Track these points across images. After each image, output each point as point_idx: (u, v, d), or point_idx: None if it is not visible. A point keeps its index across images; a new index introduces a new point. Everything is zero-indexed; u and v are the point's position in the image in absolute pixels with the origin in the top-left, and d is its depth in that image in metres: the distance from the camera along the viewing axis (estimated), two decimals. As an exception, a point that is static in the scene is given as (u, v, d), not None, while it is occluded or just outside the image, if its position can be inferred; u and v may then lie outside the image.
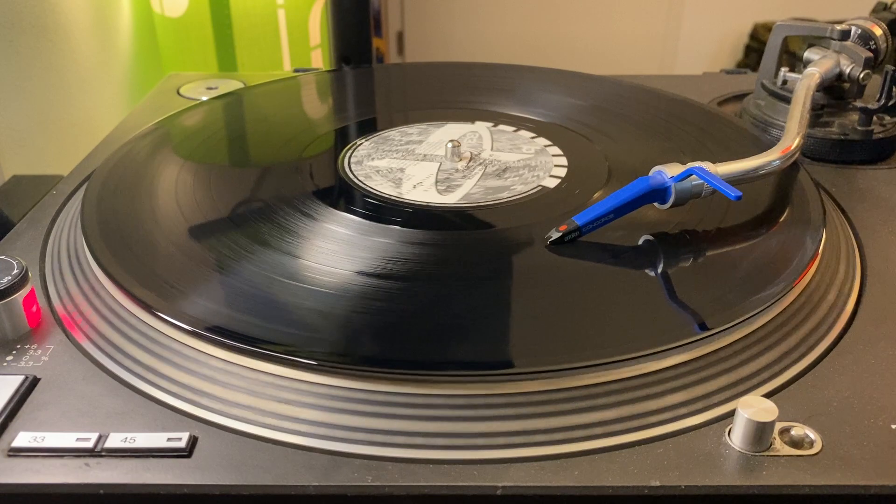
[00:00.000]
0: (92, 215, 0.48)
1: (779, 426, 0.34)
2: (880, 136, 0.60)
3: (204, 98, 0.72)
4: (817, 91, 0.59)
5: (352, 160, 0.57)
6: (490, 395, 0.35)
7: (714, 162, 0.47)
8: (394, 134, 0.61)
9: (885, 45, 0.62)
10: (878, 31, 0.62)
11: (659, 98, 0.69)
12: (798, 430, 0.34)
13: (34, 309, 0.41)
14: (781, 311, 0.40)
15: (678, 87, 0.72)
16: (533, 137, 0.59)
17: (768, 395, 0.36)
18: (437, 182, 0.53)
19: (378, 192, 0.52)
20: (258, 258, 0.44)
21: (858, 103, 0.60)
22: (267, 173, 0.56)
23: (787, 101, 0.60)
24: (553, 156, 0.56)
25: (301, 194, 0.51)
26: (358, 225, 0.47)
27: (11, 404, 0.35)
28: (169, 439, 0.33)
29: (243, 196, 0.52)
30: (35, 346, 0.40)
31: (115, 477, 0.32)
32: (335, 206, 0.49)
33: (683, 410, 0.35)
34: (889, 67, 0.59)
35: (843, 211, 0.53)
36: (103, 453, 0.33)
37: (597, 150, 0.58)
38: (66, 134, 0.84)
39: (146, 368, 0.38)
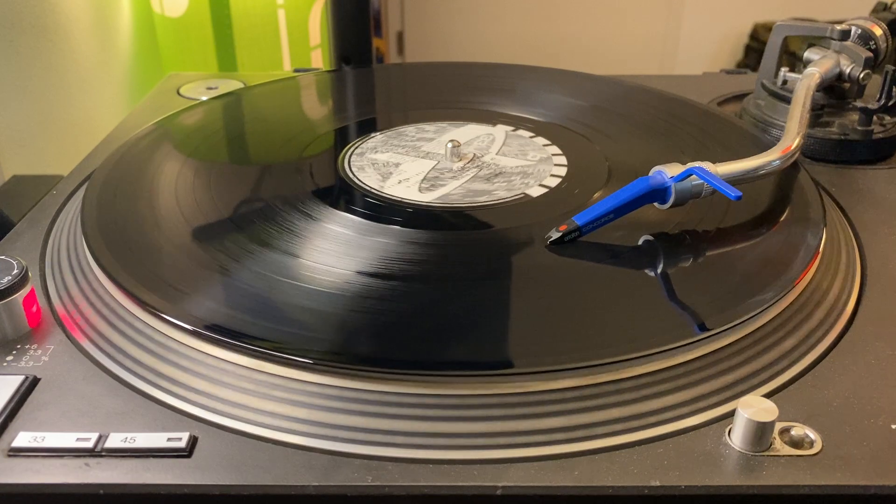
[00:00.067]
0: (92, 215, 0.48)
1: (779, 426, 0.34)
2: (880, 136, 0.60)
3: (204, 98, 0.72)
4: (817, 91, 0.59)
5: (356, 151, 0.57)
6: (490, 395, 0.35)
7: (714, 162, 0.47)
8: (410, 130, 0.62)
9: (885, 45, 0.62)
10: (878, 31, 0.62)
11: (659, 98, 0.69)
12: (798, 430, 0.34)
13: (34, 309, 0.41)
14: (781, 312, 0.40)
15: (678, 87, 0.72)
16: (546, 145, 0.58)
17: (768, 395, 0.36)
18: (423, 180, 0.53)
19: (361, 184, 0.52)
20: (258, 258, 0.44)
21: (858, 103, 0.60)
22: (266, 173, 0.56)
23: (787, 101, 0.60)
24: (555, 165, 0.55)
25: (300, 194, 0.51)
26: (358, 224, 0.47)
27: (11, 404, 0.35)
28: (169, 439, 0.33)
29: (243, 195, 0.52)
30: (35, 346, 0.40)
31: (115, 477, 0.32)
32: (334, 205, 0.49)
33: (683, 410, 0.35)
34: (889, 67, 0.59)
35: (843, 211, 0.53)
36: (103, 453, 0.33)
37: (597, 150, 0.58)
38: (66, 134, 0.84)
39: (146, 368, 0.38)
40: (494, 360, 0.37)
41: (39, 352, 0.39)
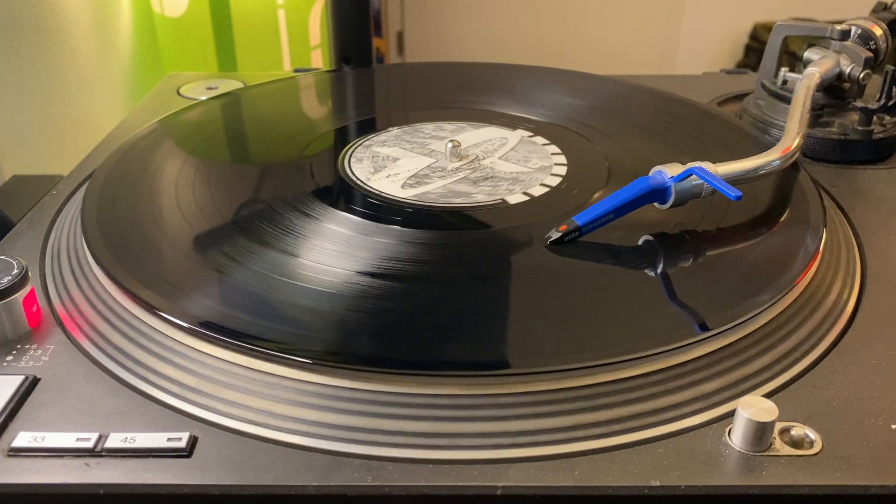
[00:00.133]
0: (92, 215, 0.48)
1: (779, 426, 0.34)
2: (880, 136, 0.60)
3: (203, 98, 0.72)
4: (817, 91, 0.59)
5: (364, 143, 0.58)
6: (490, 395, 0.35)
7: (714, 162, 0.47)
8: (428, 127, 0.62)
9: (885, 45, 0.62)
10: (878, 31, 0.62)
11: (659, 98, 0.69)
12: (798, 430, 0.34)
13: (34, 309, 0.41)
14: (781, 312, 0.40)
15: (678, 87, 0.72)
16: (554, 154, 0.57)
17: (768, 395, 0.36)
18: (413, 176, 0.54)
19: (349, 175, 0.53)
20: (258, 257, 0.44)
21: (858, 103, 0.60)
22: (266, 173, 0.56)
23: (787, 101, 0.60)
24: (555, 169, 0.54)
25: (300, 194, 0.51)
26: (358, 224, 0.47)
27: (11, 404, 0.35)
28: (169, 439, 0.33)
29: (243, 195, 0.52)
30: (35, 346, 0.40)
31: (115, 477, 0.32)
32: (334, 205, 0.49)
33: (683, 410, 0.35)
34: (889, 67, 0.59)
35: (843, 211, 0.53)
36: (103, 453, 0.33)
37: (597, 150, 0.58)
38: (66, 134, 0.84)
39: (146, 368, 0.38)
40: (494, 360, 0.37)
41: (39, 352, 0.39)
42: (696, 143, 0.59)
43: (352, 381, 0.35)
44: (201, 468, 0.32)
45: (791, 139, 0.51)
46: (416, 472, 0.32)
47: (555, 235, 0.45)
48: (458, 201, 0.50)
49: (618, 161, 0.56)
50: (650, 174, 0.47)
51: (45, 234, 0.50)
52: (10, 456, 0.33)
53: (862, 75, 0.60)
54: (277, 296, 0.40)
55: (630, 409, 0.35)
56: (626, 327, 0.39)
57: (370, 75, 0.80)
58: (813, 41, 0.64)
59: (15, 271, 0.40)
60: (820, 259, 0.44)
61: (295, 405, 0.35)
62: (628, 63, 1.98)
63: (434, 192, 0.52)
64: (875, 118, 0.60)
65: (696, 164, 0.46)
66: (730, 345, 0.38)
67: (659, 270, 0.44)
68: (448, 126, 0.62)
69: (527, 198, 0.51)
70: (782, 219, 0.49)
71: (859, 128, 0.59)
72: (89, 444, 0.33)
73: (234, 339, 0.37)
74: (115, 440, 0.33)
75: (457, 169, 0.55)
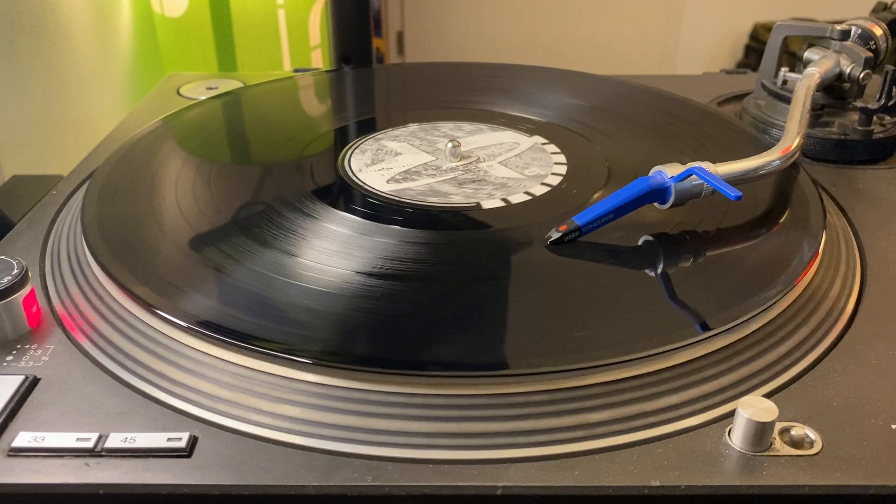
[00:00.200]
0: (92, 215, 0.48)
1: (779, 426, 0.34)
2: (880, 136, 0.60)
3: (203, 98, 0.72)
4: (817, 91, 0.59)
5: (378, 137, 0.60)
6: (490, 395, 0.35)
7: (714, 162, 0.47)
8: (447, 126, 0.62)
9: (885, 45, 0.62)
10: (878, 31, 0.62)
11: (659, 98, 0.69)
12: (798, 430, 0.34)
13: (34, 309, 0.41)
14: (781, 312, 0.40)
15: (678, 87, 0.72)
16: (557, 162, 0.56)
17: (768, 395, 0.36)
18: (404, 172, 0.54)
19: (345, 166, 0.54)
20: (258, 257, 0.44)
21: (858, 103, 0.60)
22: (266, 172, 0.56)
23: (787, 101, 0.60)
24: (553, 172, 0.54)
25: (300, 193, 0.51)
26: (358, 224, 0.47)
27: (11, 404, 0.35)
28: (169, 439, 0.33)
29: (243, 195, 0.52)
30: (35, 346, 0.40)
31: (115, 477, 0.32)
32: (334, 205, 0.49)
33: (683, 410, 0.35)
34: (889, 67, 0.59)
35: (843, 211, 0.53)
36: (103, 453, 0.33)
37: (597, 150, 0.58)
38: (66, 134, 0.84)
39: (146, 368, 0.38)
40: (494, 360, 0.37)
41: (39, 352, 0.39)
42: (696, 143, 0.59)
43: (352, 381, 0.35)
44: (201, 468, 0.32)
45: (791, 139, 0.51)
46: (416, 472, 0.32)
47: (555, 235, 0.45)
48: (433, 200, 0.50)
49: (618, 161, 0.56)
50: (650, 174, 0.47)
51: (45, 234, 0.51)
52: (10, 456, 0.33)
53: (862, 75, 0.60)
54: (277, 295, 0.40)
55: (630, 409, 0.35)
56: (626, 327, 0.39)
57: (370, 75, 0.80)
58: (813, 41, 0.64)
59: (15, 271, 0.40)
60: (820, 259, 0.44)
61: (295, 405, 0.35)
62: (628, 63, 1.98)
63: (415, 189, 0.52)
64: (875, 118, 0.60)
65: (696, 164, 0.46)
66: (730, 345, 0.38)
67: (659, 270, 0.44)
68: (467, 126, 0.62)
69: (504, 203, 0.50)
70: (782, 219, 0.49)
71: (859, 128, 0.59)
72: (89, 444, 0.33)
73: (233, 339, 0.37)
74: (115, 440, 0.33)
75: (451, 169, 0.55)
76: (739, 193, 0.43)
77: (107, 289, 0.42)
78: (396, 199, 0.51)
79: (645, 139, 0.61)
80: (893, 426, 0.34)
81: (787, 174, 0.53)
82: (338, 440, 0.34)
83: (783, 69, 0.65)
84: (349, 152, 0.58)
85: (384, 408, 0.35)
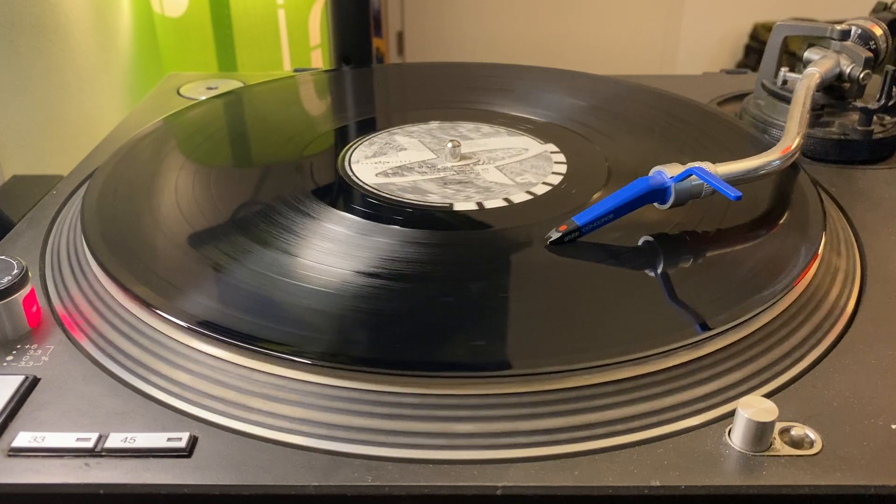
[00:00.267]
0: (92, 215, 0.48)
1: (779, 426, 0.34)
2: (880, 136, 0.60)
3: (203, 98, 0.72)
4: (817, 91, 0.59)
5: (393, 131, 0.61)
6: (490, 395, 0.35)
7: (714, 162, 0.47)
8: (466, 128, 0.61)
9: (885, 45, 0.62)
10: (878, 31, 0.62)
11: (659, 98, 0.69)
12: (798, 430, 0.34)
13: (34, 309, 0.41)
14: (781, 312, 0.40)
15: (678, 87, 0.72)
16: (554, 173, 0.54)
17: (768, 395, 0.36)
18: (398, 167, 0.55)
19: (346, 157, 0.55)
20: (258, 257, 0.44)
21: (858, 103, 0.60)
22: (266, 172, 0.56)
23: (787, 101, 0.60)
24: (526, 192, 0.52)
25: (300, 193, 0.51)
26: (358, 224, 0.47)
27: (11, 404, 0.35)
28: (169, 439, 0.33)
29: (243, 195, 0.52)
30: (35, 346, 0.40)
31: (115, 477, 0.32)
32: (334, 205, 0.49)
33: (683, 410, 0.35)
34: (889, 67, 0.59)
35: (843, 211, 0.53)
36: (103, 453, 0.33)
37: (597, 150, 0.58)
38: (66, 134, 0.84)
39: (146, 368, 0.38)
40: (494, 360, 0.37)
41: (39, 352, 0.39)
42: (696, 143, 0.59)
43: (352, 382, 0.35)
44: (201, 468, 0.32)
45: (791, 139, 0.51)
46: (416, 472, 0.32)
47: (555, 235, 0.45)
48: (410, 197, 0.51)
49: (618, 161, 0.56)
50: (650, 174, 0.47)
51: (45, 234, 0.51)
52: (10, 456, 0.33)
53: (862, 75, 0.60)
54: (277, 295, 0.40)
55: (630, 409, 0.35)
56: (626, 328, 0.39)
57: (370, 75, 0.80)
58: (813, 41, 0.64)
59: (15, 271, 0.40)
60: (820, 259, 0.44)
61: (295, 405, 0.35)
62: (628, 63, 1.98)
63: (398, 184, 0.52)
64: (875, 118, 0.60)
65: (696, 164, 0.46)
66: (730, 345, 0.38)
67: (659, 271, 0.44)
68: (486, 128, 0.61)
69: (476, 207, 0.50)
70: (782, 219, 0.49)
71: (859, 128, 0.59)
72: (89, 444, 0.33)
73: (234, 339, 0.37)
74: (115, 440, 0.33)
75: (445, 168, 0.55)
76: (739, 193, 0.43)
77: (107, 289, 0.42)
78: (374, 191, 0.52)
79: (645, 139, 0.61)
80: (893, 426, 0.34)
81: (787, 174, 0.53)
82: (338, 440, 0.34)
83: (783, 69, 0.65)
84: (357, 144, 0.59)
85: (384, 408, 0.35)
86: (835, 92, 0.63)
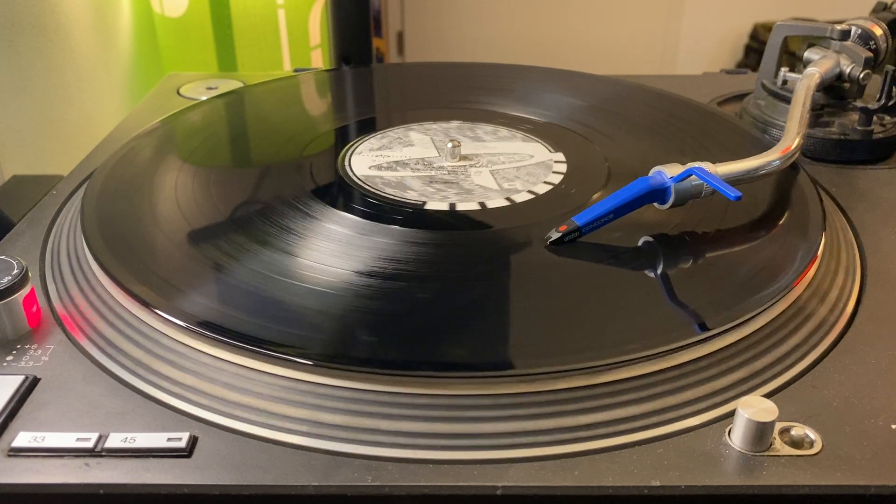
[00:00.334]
0: (92, 215, 0.48)
1: (779, 426, 0.34)
2: (880, 136, 0.60)
3: (204, 98, 0.72)
4: (817, 91, 0.59)
5: (414, 127, 0.62)
6: (490, 395, 0.35)
7: (714, 162, 0.47)
8: (483, 129, 0.61)
9: (885, 45, 0.62)
10: (878, 31, 0.62)
11: (659, 98, 0.69)
12: (798, 430, 0.34)
13: (34, 309, 0.41)
14: (781, 312, 0.40)
15: (678, 87, 0.72)
16: (546, 182, 0.53)
17: (768, 395, 0.36)
18: (394, 161, 0.56)
19: (350, 150, 0.56)
20: (258, 257, 0.44)
21: (858, 103, 0.60)
22: (266, 172, 0.56)
23: (787, 101, 0.60)
24: (505, 199, 0.51)
25: (300, 193, 0.51)
26: (358, 224, 0.47)
27: (11, 404, 0.35)
28: (169, 439, 0.33)
29: (242, 195, 0.52)
30: (35, 346, 0.40)
31: (115, 477, 0.32)
32: (334, 205, 0.49)
33: (684, 410, 0.35)
34: (889, 67, 0.59)
35: (843, 211, 0.53)
36: (103, 453, 0.33)
37: (597, 150, 0.58)
38: (66, 134, 0.84)
39: (146, 368, 0.38)
40: (494, 360, 0.37)
41: (39, 352, 0.39)
42: (696, 143, 0.59)
43: (352, 382, 0.35)
44: (201, 468, 0.32)
45: (791, 139, 0.51)
46: (416, 472, 0.32)
47: (555, 236, 0.45)
48: (389, 191, 0.51)
49: (618, 161, 0.56)
50: (650, 174, 0.47)
51: (45, 234, 0.50)
52: (10, 456, 0.33)
53: (862, 75, 0.60)
54: (278, 295, 0.40)
55: (630, 409, 0.35)
56: (627, 328, 0.38)
57: (370, 75, 0.80)
58: (813, 41, 0.64)
59: (15, 271, 0.40)
60: (820, 259, 0.44)
61: (295, 405, 0.35)
62: (628, 63, 1.98)
63: (384, 178, 0.53)
64: (875, 118, 0.60)
65: (696, 164, 0.46)
66: (730, 345, 0.38)
67: (659, 271, 0.44)
68: (503, 132, 0.61)
69: (446, 206, 0.50)
70: (782, 219, 0.49)
71: (859, 128, 0.59)
72: (89, 444, 0.33)
73: (234, 339, 0.37)
74: (115, 440, 0.33)
75: (439, 167, 0.55)
76: (739, 194, 0.43)
77: (107, 289, 0.42)
78: (356, 182, 0.53)
79: (645, 139, 0.61)
80: (893, 426, 0.34)
81: (786, 174, 0.53)
82: (338, 440, 0.34)
83: (783, 69, 0.65)
84: (368, 137, 0.60)
85: (384, 408, 0.35)
86: (835, 92, 0.63)
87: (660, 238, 0.46)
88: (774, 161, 0.49)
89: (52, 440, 0.33)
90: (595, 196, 0.51)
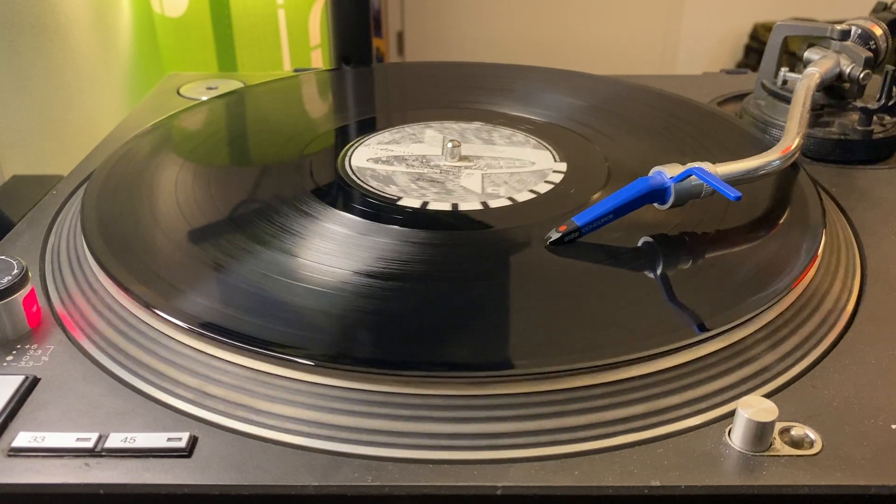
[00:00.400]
0: (92, 215, 0.48)
1: (779, 426, 0.34)
2: (880, 136, 0.60)
3: (204, 98, 0.72)
4: (817, 91, 0.59)
5: (432, 124, 0.63)
6: (490, 395, 0.35)
7: (714, 162, 0.47)
8: (501, 133, 0.61)
9: (885, 45, 0.62)
10: (878, 31, 0.62)
11: (659, 98, 0.69)
12: (798, 430, 0.34)
13: (34, 309, 0.41)
14: (781, 312, 0.40)
15: (678, 87, 0.72)
16: (531, 190, 0.52)
17: (768, 395, 0.36)
18: (394, 156, 0.57)
19: (360, 143, 0.56)
20: (258, 257, 0.44)
21: (858, 103, 0.60)
22: (266, 172, 0.56)
23: (787, 101, 0.60)
24: (480, 203, 0.50)
25: (300, 193, 0.51)
26: (358, 224, 0.47)
27: (11, 404, 0.35)
28: (169, 439, 0.33)
29: (242, 195, 0.52)
30: (35, 346, 0.40)
31: (115, 477, 0.32)
32: (334, 205, 0.50)
33: (684, 411, 0.35)
34: (889, 67, 0.59)
35: (843, 211, 0.53)
36: (103, 453, 0.33)
37: (597, 150, 0.58)
38: (66, 134, 0.84)
39: (146, 368, 0.38)
40: (494, 360, 0.37)
41: (39, 352, 0.39)
42: (696, 143, 0.59)
43: (352, 382, 0.35)
44: (201, 468, 0.32)
45: (791, 139, 0.51)
46: (416, 472, 0.32)
47: (555, 236, 0.45)
48: (372, 184, 0.53)
49: (618, 161, 0.56)
50: (650, 174, 0.47)
51: (45, 234, 0.50)
52: (10, 456, 0.33)
53: (862, 75, 0.60)
54: (278, 296, 0.40)
55: (630, 409, 0.35)
56: (626, 328, 0.38)
57: (370, 75, 0.80)
58: (813, 41, 0.64)
59: (15, 271, 0.40)
60: (820, 259, 0.44)
61: (295, 405, 0.35)
62: (628, 63, 1.98)
63: (375, 170, 0.54)
64: (875, 118, 0.60)
65: (696, 164, 0.46)
66: (730, 345, 0.38)
67: (659, 271, 0.44)
68: (519, 137, 0.60)
69: (421, 202, 0.50)
70: (782, 219, 0.49)
71: (859, 128, 0.59)
72: (89, 444, 0.33)
73: (234, 340, 0.37)
74: (115, 440, 0.33)
75: (434, 166, 0.55)
76: (739, 194, 0.43)
77: (107, 289, 0.42)
78: (347, 173, 0.54)
79: (645, 139, 0.61)
80: (893, 426, 0.34)
81: (786, 174, 0.53)
82: (338, 440, 0.34)
83: (783, 69, 0.65)
84: (384, 130, 0.61)
85: (384, 408, 0.35)
86: (835, 92, 0.63)
87: (659, 238, 0.46)
88: (774, 161, 0.49)
89: (52, 440, 0.33)
90: (595, 196, 0.51)
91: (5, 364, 0.38)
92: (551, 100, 0.68)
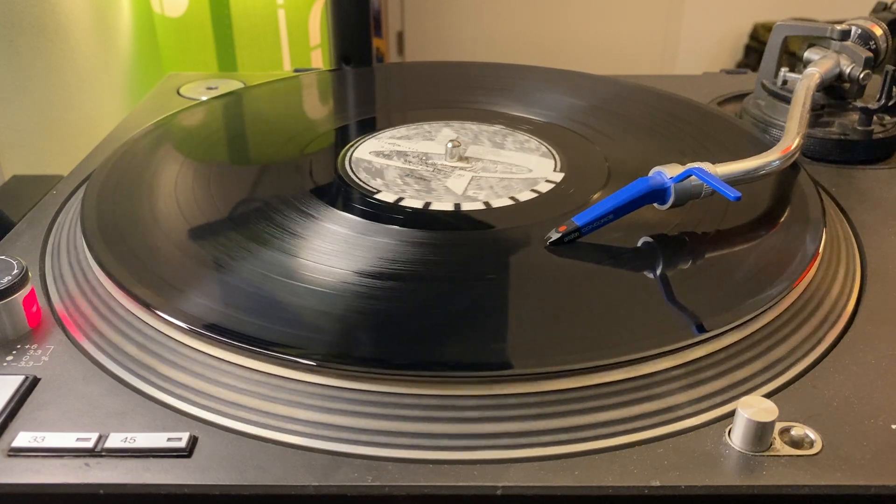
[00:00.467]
0: (92, 215, 0.48)
1: (779, 426, 0.34)
2: (880, 136, 0.60)
3: (204, 98, 0.72)
4: (817, 91, 0.59)
5: (452, 123, 0.63)
6: (490, 395, 0.35)
7: (714, 162, 0.47)
8: (516, 138, 0.61)
9: (885, 45, 0.62)
10: (878, 31, 0.62)
11: (659, 98, 0.69)
12: (798, 430, 0.34)
13: (34, 309, 0.41)
14: (781, 312, 0.40)
15: (678, 87, 0.72)
16: (511, 197, 0.51)
17: (768, 395, 0.36)
18: (395, 151, 0.58)
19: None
20: (258, 257, 0.44)
21: (858, 103, 0.60)
22: (266, 172, 0.56)
23: (787, 101, 0.60)
24: (453, 204, 0.50)
25: (300, 193, 0.51)
26: (358, 224, 0.47)
27: (11, 404, 0.35)
28: (169, 439, 0.33)
29: (242, 195, 0.52)
30: (35, 346, 0.40)
31: (115, 477, 0.32)
32: (334, 205, 0.49)
33: (683, 410, 0.35)
34: (889, 67, 0.59)
35: (843, 211, 0.53)
36: (103, 453, 0.33)
37: (597, 150, 0.58)
38: (66, 134, 0.84)
39: (146, 368, 0.38)
40: (494, 360, 0.37)
41: (39, 352, 0.39)
42: (696, 143, 0.59)
43: (352, 382, 0.35)
44: (201, 468, 0.32)
45: (791, 139, 0.51)
46: (416, 472, 0.32)
47: (554, 236, 0.45)
48: (361, 176, 0.54)
49: (618, 161, 0.56)
50: (650, 175, 0.47)
51: (45, 234, 0.50)
52: (10, 456, 0.33)
53: (862, 75, 0.60)
54: (278, 296, 0.40)
55: (630, 409, 0.35)
56: (626, 328, 0.39)
57: (370, 75, 0.80)
58: (813, 41, 0.64)
59: (15, 271, 0.40)
60: (820, 259, 0.44)
61: (295, 405, 0.35)
62: (628, 63, 1.98)
63: (373, 163, 0.55)
64: (875, 118, 0.60)
65: (696, 164, 0.46)
66: (730, 345, 0.38)
67: (659, 271, 0.44)
68: (533, 143, 0.60)
69: (409, 200, 0.50)
70: (782, 219, 0.49)
71: (859, 128, 0.59)
72: (89, 444, 0.33)
73: (234, 340, 0.37)
74: (115, 440, 0.33)
75: (431, 164, 0.56)
76: (739, 194, 0.43)
77: (107, 289, 0.42)
78: (345, 166, 0.55)
79: (645, 139, 0.61)
80: (893, 426, 0.34)
81: (787, 174, 0.53)
82: (338, 440, 0.34)
83: (783, 69, 0.65)
84: (404, 125, 0.62)
85: (384, 408, 0.35)
86: (835, 92, 0.63)
87: (659, 238, 0.46)
88: (774, 161, 0.49)
89: (52, 440, 0.33)
90: (595, 196, 0.51)
91: (5, 364, 0.38)
92: (551, 100, 0.68)
